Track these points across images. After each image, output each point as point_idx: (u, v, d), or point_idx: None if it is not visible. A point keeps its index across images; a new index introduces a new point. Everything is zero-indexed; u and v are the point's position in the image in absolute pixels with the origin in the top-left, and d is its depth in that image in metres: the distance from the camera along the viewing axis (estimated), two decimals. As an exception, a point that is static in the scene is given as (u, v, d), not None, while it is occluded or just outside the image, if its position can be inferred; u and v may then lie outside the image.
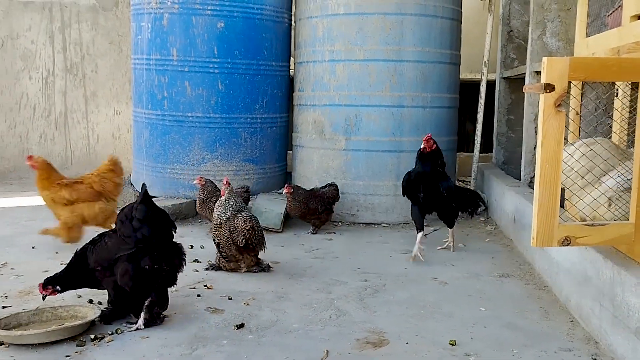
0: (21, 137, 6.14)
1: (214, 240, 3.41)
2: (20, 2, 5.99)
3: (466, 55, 5.07)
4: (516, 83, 5.35)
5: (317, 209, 4.32)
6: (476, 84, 5.60)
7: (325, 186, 4.51)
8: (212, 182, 4.23)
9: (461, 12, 4.92)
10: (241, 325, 2.66)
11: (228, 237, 3.32)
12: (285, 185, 4.33)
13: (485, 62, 5.32)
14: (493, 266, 3.62)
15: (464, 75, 5.17)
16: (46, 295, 2.65)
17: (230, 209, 3.36)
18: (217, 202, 3.45)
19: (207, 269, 3.47)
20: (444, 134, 4.80)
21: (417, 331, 2.63)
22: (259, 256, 3.46)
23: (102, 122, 6.18)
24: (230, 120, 4.77)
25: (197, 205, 4.19)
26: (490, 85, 5.50)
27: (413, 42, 4.53)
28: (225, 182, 3.43)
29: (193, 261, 3.60)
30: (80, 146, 6.21)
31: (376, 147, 4.60)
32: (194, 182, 4.17)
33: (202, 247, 3.90)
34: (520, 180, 4.56)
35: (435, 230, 4.48)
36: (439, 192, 3.73)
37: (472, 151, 5.43)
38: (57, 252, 3.73)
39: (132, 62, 4.97)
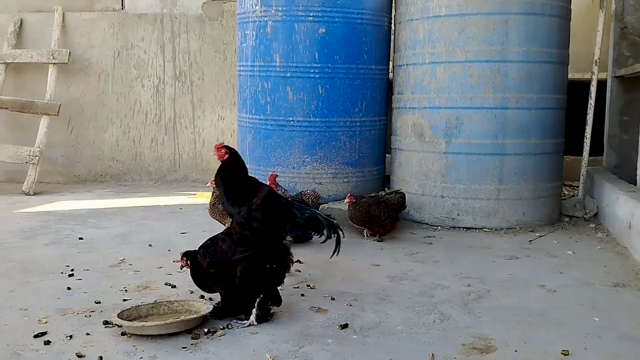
0: (134, 141, 6.56)
1: None
2: (135, 15, 6.40)
3: (573, 54, 4.85)
4: (630, 82, 5.05)
5: (379, 217, 4.14)
6: (583, 84, 5.34)
7: (390, 192, 4.41)
8: None
9: (570, 10, 4.72)
10: (345, 325, 2.70)
11: None
12: (348, 195, 4.20)
13: (595, 60, 5.06)
14: (606, 275, 3.44)
15: (571, 75, 4.95)
16: (183, 266, 2.85)
17: None
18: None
19: None
20: (549, 137, 4.62)
21: (525, 339, 2.55)
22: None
23: (207, 126, 6.48)
24: (329, 123, 4.84)
25: (209, 207, 4.15)
26: (600, 85, 5.22)
27: (518, 41, 4.39)
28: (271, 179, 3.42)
29: (295, 261, 3.70)
30: (187, 150, 6.54)
31: (478, 150, 4.50)
32: (207, 185, 4.18)
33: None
34: (635, 185, 4.30)
35: (540, 236, 4.32)
36: None
37: (581, 154, 5.18)
38: (169, 250, 3.96)
39: (237, 69, 5.18)
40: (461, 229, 4.56)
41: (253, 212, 2.65)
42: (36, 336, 2.54)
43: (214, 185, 4.21)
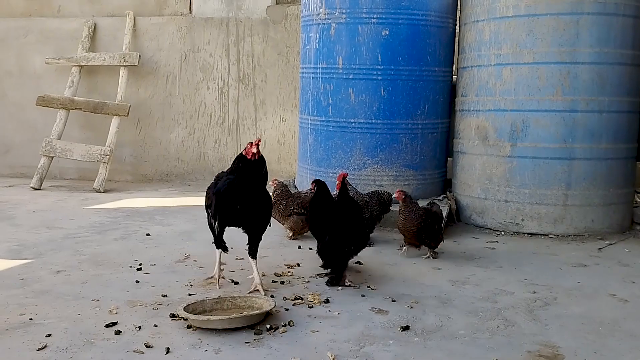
0: (199, 142, 6.73)
1: None
2: (202, 19, 6.58)
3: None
4: None
5: (434, 228, 3.79)
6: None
7: (430, 204, 4.08)
8: (284, 185, 4.36)
9: (646, 8, 4.52)
10: (406, 327, 2.68)
11: None
12: (397, 190, 3.88)
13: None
14: (682, 286, 3.27)
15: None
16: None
17: None
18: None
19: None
20: (622, 141, 4.44)
21: (595, 348, 2.46)
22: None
23: (269, 128, 6.57)
24: (391, 126, 4.82)
25: None
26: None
27: (589, 42, 4.25)
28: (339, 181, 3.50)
29: (355, 262, 3.70)
30: (249, 151, 6.66)
31: (545, 154, 4.37)
32: (269, 183, 4.12)
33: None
34: None
35: (610, 244, 4.16)
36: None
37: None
38: (231, 247, 4.03)
39: (300, 71, 5.23)
40: (525, 234, 4.44)
41: None
42: (107, 326, 2.65)
43: (275, 185, 4.27)
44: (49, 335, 2.54)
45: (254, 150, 3.11)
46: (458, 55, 5.01)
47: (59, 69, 6.71)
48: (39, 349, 2.41)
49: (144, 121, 6.74)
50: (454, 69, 5.13)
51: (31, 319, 2.73)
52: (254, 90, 6.56)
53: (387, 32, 4.68)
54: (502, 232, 4.51)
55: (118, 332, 2.59)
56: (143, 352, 2.41)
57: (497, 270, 3.61)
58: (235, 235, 4.33)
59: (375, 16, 4.66)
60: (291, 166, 6.49)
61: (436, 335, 2.62)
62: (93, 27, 6.69)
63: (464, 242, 4.28)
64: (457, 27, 5.03)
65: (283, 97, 6.49)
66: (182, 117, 6.71)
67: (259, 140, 3.18)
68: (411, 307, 2.94)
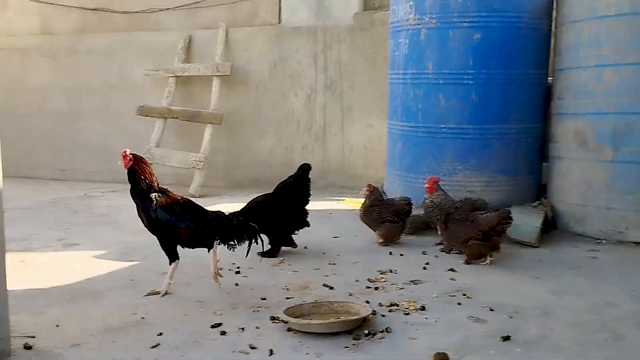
0: (286, 148, 6.88)
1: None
2: (291, 28, 6.74)
3: None
4: None
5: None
6: None
7: (484, 213, 3.94)
8: (379, 190, 4.41)
9: None
10: (507, 338, 2.63)
11: None
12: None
13: None
14: None
15: None
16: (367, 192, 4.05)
17: None
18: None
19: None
20: None
21: None
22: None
23: (355, 134, 6.62)
24: (483, 131, 4.73)
25: (361, 212, 4.32)
26: None
27: (702, 40, 3.99)
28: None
29: (449, 270, 3.67)
30: (336, 157, 6.74)
31: (651, 159, 4.15)
32: (364, 189, 4.34)
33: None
34: None
35: None
36: None
37: None
38: (323, 253, 4.11)
39: (389, 77, 5.24)
40: (630, 243, 4.22)
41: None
42: (213, 326, 2.78)
43: (370, 191, 4.31)
44: (160, 334, 2.69)
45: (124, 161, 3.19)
46: (554, 57, 4.84)
47: (157, 80, 7.08)
48: (153, 347, 2.56)
49: (235, 129, 6.98)
50: (549, 71, 4.96)
51: (143, 318, 2.90)
52: (341, 96, 6.63)
53: (478, 35, 4.60)
54: (604, 241, 4.31)
55: (223, 333, 2.71)
56: (248, 353, 2.51)
57: (600, 280, 3.46)
58: (325, 241, 4.42)
59: (466, 20, 4.60)
60: (377, 172, 6.50)
61: (539, 346, 2.55)
62: (188, 39, 7.01)
63: (562, 250, 4.13)
64: (553, 27, 4.87)
65: (370, 103, 6.52)
66: (271, 124, 6.89)
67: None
68: (511, 317, 2.88)
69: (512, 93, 4.71)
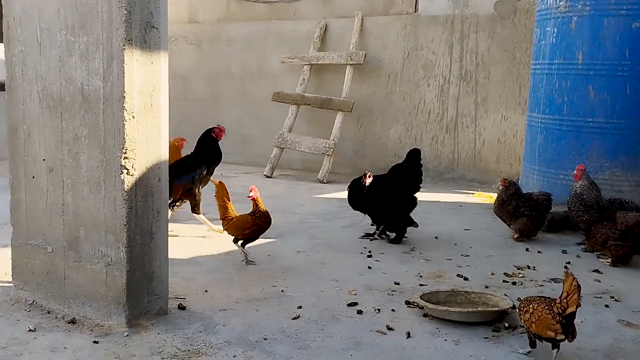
0: (416, 138, 6.82)
1: None
2: (427, 17, 6.65)
3: None
4: None
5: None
6: None
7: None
8: (515, 184, 4.22)
9: None
10: (665, 346, 2.44)
11: None
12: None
13: None
14: None
15: None
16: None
17: None
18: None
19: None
20: None
21: None
22: None
23: (489, 127, 6.41)
24: (637, 127, 4.39)
25: (496, 205, 4.21)
26: None
27: None
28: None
29: (593, 271, 3.47)
30: (466, 149, 6.57)
31: None
32: (498, 183, 4.24)
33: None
34: None
35: None
36: None
37: None
38: (455, 244, 4.04)
39: (532, 67, 5.02)
40: None
41: None
42: (349, 305, 2.84)
43: (505, 185, 4.16)
44: (300, 307, 2.80)
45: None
46: None
47: (292, 68, 7.30)
48: (294, 319, 2.67)
49: (364, 117, 7.03)
50: None
51: (282, 290, 3.02)
52: (476, 87, 6.45)
53: (637, 24, 4.27)
54: None
55: (360, 312, 2.76)
56: (385, 334, 2.54)
57: None
58: (456, 233, 4.33)
59: (624, 7, 4.28)
60: (511, 166, 6.26)
61: (703, 359, 2.34)
62: (324, 28, 7.15)
63: None
64: None
65: (506, 94, 6.28)
66: (401, 113, 6.86)
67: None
68: (666, 325, 2.67)
69: (672, 87, 4.33)
